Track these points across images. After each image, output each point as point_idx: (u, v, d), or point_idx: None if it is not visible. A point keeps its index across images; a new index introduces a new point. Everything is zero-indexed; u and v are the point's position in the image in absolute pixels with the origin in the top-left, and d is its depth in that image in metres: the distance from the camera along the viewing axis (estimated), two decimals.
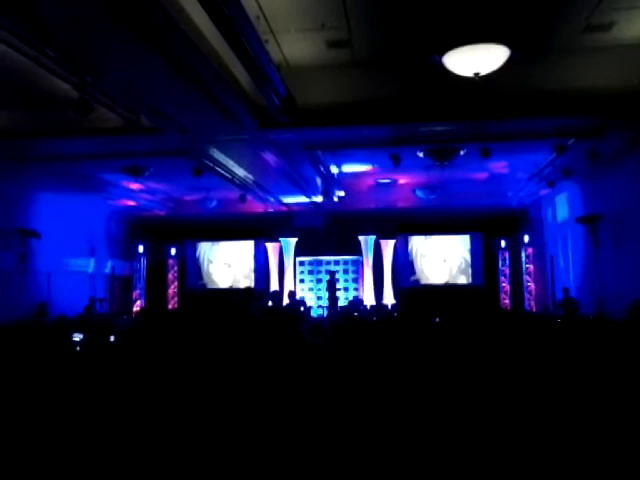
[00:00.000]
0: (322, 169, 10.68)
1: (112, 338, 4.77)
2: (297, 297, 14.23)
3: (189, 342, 2.93)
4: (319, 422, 2.19)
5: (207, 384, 2.38)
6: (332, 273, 14.76)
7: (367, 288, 16.20)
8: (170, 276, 16.71)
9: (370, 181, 12.34)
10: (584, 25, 6.55)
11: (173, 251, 16.73)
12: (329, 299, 14.00)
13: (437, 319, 5.34)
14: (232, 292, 16.19)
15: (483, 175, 11.88)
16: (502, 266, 15.92)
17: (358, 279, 16.60)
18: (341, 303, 14.70)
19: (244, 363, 2.48)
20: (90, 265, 14.01)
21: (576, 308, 10.01)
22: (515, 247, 15.76)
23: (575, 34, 6.75)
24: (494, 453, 2.13)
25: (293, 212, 14.81)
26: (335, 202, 13.30)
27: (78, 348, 4.27)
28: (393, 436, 2.17)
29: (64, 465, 2.09)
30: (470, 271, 16.36)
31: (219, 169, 10.11)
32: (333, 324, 6.64)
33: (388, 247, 16.43)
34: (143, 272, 16.18)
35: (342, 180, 12.01)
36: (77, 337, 5.20)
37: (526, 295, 15.21)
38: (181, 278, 16.89)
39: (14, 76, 6.57)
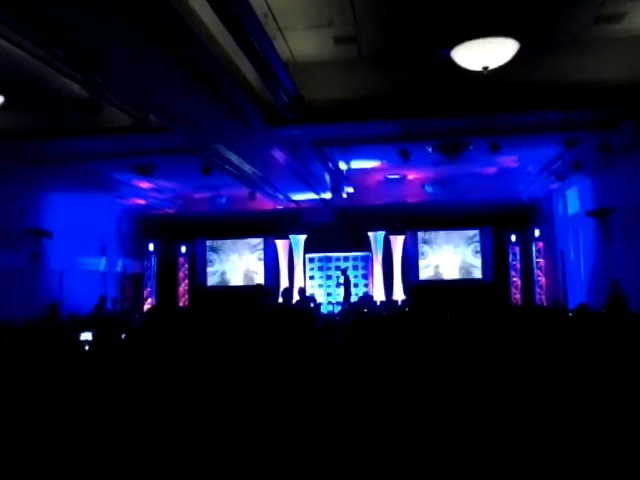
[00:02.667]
0: (331, 165, 10.66)
1: (123, 336, 4.79)
2: (307, 294, 14.24)
3: (201, 339, 2.94)
4: (332, 417, 2.19)
5: (219, 380, 2.39)
6: (344, 270, 14.82)
7: (377, 284, 16.18)
8: (181, 274, 16.76)
9: (379, 177, 12.31)
10: (595, 16, 6.48)
11: (183, 249, 16.78)
12: (345, 296, 14.07)
13: (448, 317, 5.32)
14: (243, 289, 16.22)
15: (492, 169, 11.81)
16: (513, 261, 15.83)
17: (368, 275, 16.58)
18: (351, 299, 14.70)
19: (257, 359, 2.49)
20: (101, 264, 14.10)
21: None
22: (526, 241, 15.66)
23: (585, 26, 6.69)
24: (507, 448, 2.12)
25: (302, 209, 14.80)
26: (344, 198, 13.27)
27: (87, 347, 4.30)
28: (405, 431, 2.17)
29: (70, 463, 2.10)
30: (480, 266, 16.29)
31: (228, 167, 10.13)
32: (345, 321, 6.64)
33: (397, 243, 16.38)
34: (154, 270, 16.28)
35: (351, 176, 11.99)
36: (85, 337, 5.22)
37: (537, 289, 15.14)
38: (192, 276, 16.94)
39: (23, 77, 6.60)
